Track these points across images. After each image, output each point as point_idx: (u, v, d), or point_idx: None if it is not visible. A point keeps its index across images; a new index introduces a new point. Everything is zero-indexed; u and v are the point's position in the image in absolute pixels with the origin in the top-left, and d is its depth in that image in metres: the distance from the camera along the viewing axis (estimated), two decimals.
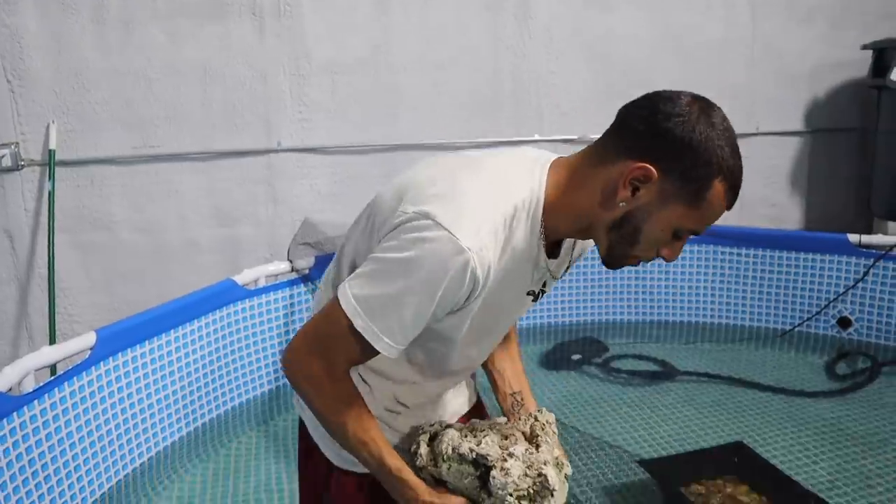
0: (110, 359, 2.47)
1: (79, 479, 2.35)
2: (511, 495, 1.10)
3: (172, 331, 2.71)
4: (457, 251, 0.97)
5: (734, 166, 1.02)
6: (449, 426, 1.23)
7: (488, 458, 1.12)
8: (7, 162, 3.36)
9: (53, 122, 3.39)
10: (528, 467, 1.12)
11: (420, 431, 1.24)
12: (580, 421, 2.93)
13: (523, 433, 1.21)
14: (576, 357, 3.57)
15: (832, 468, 2.59)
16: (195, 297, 2.82)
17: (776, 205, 4.50)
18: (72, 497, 2.31)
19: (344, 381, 1.11)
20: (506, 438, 1.17)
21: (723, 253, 3.84)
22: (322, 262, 3.19)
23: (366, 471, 1.20)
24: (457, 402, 1.40)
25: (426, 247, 0.97)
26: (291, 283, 3.16)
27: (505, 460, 1.12)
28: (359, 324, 1.03)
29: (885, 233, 3.98)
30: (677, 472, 2.49)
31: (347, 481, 1.30)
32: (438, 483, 1.18)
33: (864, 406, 3.08)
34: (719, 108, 1.04)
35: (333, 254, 1.27)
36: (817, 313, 3.80)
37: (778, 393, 3.19)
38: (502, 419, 1.27)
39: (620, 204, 1.03)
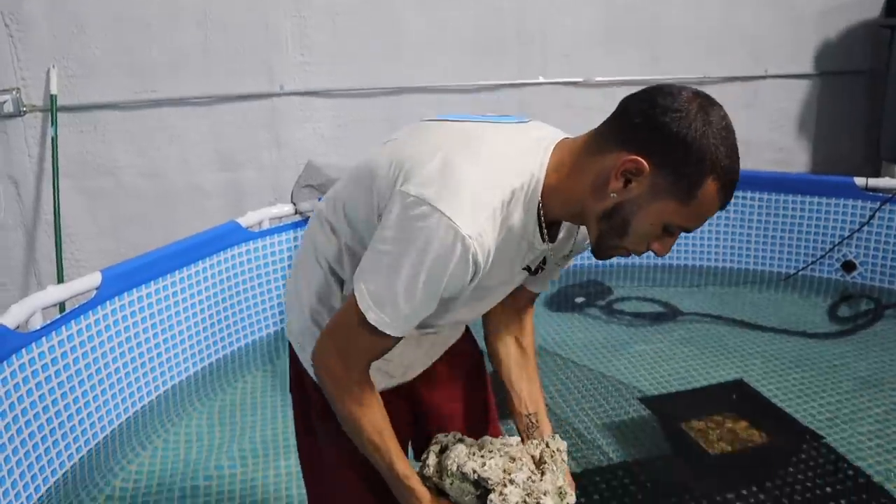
0: (116, 299, 2.50)
1: (89, 416, 2.40)
2: None
3: (177, 272, 2.73)
4: (458, 239, 0.99)
5: (729, 166, 1.01)
6: (461, 440, 1.26)
7: (489, 481, 1.15)
8: (9, 108, 3.35)
9: (54, 66, 3.36)
10: (527, 495, 1.15)
11: (433, 441, 1.28)
12: (583, 360, 2.96)
13: (532, 457, 1.24)
14: (579, 300, 3.59)
15: (831, 406, 2.61)
16: (199, 238, 2.83)
17: (783, 149, 4.46)
18: (82, 432, 2.37)
19: (362, 383, 1.15)
20: (513, 461, 1.19)
21: None
22: None
23: None
24: (439, 348, 1.41)
25: (430, 236, 0.99)
26: (295, 226, 3.17)
27: (505, 485, 1.14)
28: (371, 317, 1.06)
29: (893, 176, 3.93)
30: (678, 409, 2.52)
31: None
32: (441, 494, 1.21)
33: (865, 347, 3.09)
34: (720, 106, 1.02)
35: None
36: (822, 257, 3.79)
37: (780, 334, 3.21)
38: (515, 439, 1.28)
39: (612, 195, 1.03)
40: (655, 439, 2.41)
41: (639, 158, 1.00)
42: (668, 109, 0.99)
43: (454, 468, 1.17)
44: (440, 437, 1.28)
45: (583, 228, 1.21)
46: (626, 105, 1.05)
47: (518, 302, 1.37)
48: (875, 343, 3.13)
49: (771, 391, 2.69)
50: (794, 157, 4.50)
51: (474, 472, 1.16)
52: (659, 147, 0.99)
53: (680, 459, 2.31)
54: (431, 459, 1.23)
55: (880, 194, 3.61)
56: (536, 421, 1.36)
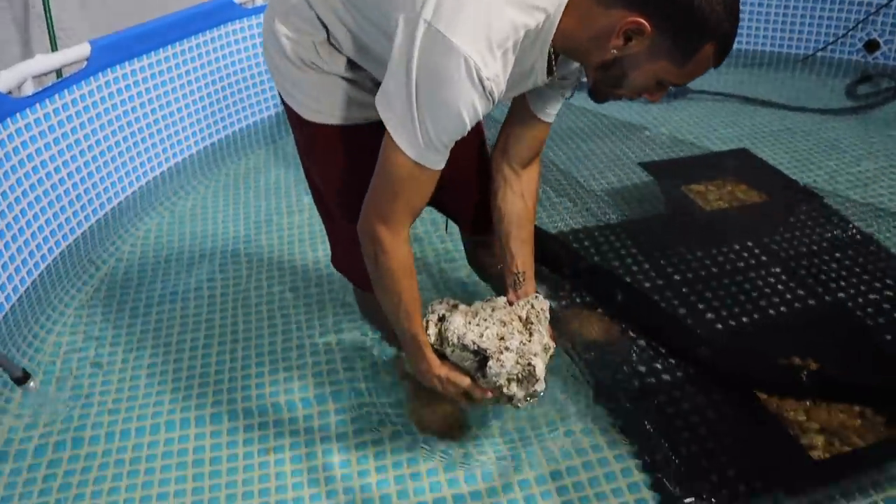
0: (109, 71, 2.45)
1: (94, 186, 2.43)
2: (503, 378, 1.29)
3: (170, 47, 2.66)
4: (478, 80, 1.01)
5: (728, 31, 1.03)
6: (455, 306, 1.38)
7: (487, 350, 1.29)
8: None
9: None
10: (520, 357, 1.29)
11: (430, 311, 1.38)
12: (585, 133, 2.92)
13: (520, 317, 1.37)
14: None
15: (833, 172, 2.59)
16: (189, 13, 2.73)
17: None
18: (85, 205, 2.41)
19: (408, 253, 1.23)
20: (504, 326, 1.33)
21: None
22: None
23: (330, 122, 1.31)
24: None
25: (455, 75, 1.01)
26: None
27: (501, 352, 1.28)
28: (411, 153, 1.09)
29: None
30: (678, 174, 2.51)
31: (316, 132, 1.35)
32: (442, 357, 1.34)
33: (880, 123, 3.02)
34: None
35: None
36: (843, 36, 3.62)
37: (793, 111, 3.13)
38: (502, 300, 1.42)
39: (612, 50, 1.06)
40: (653, 201, 2.41)
41: (641, 20, 1.01)
42: None
43: (455, 339, 1.30)
44: (436, 305, 1.39)
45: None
46: None
47: (531, 140, 1.42)
48: (891, 120, 3.05)
49: (775, 159, 2.66)
50: None
51: (474, 343, 1.29)
52: (662, 10, 1.01)
53: (676, 218, 2.32)
54: (431, 329, 1.34)
55: None
56: (523, 279, 1.45)
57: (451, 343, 1.31)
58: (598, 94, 1.18)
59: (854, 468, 1.48)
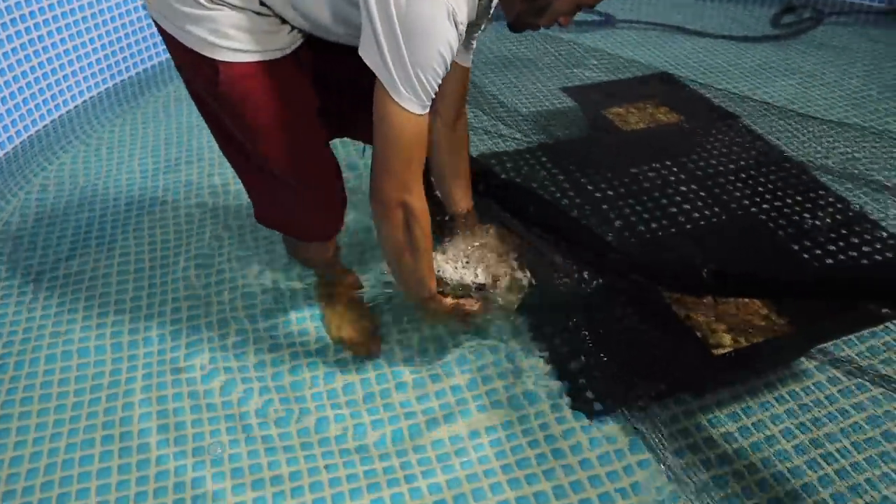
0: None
1: None
2: (503, 296, 1.52)
3: None
4: (454, 22, 1.09)
5: None
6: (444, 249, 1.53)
7: (486, 285, 1.49)
8: None
9: None
10: (507, 277, 1.51)
11: None
12: (515, 62, 2.90)
13: (485, 245, 1.55)
14: None
15: (753, 92, 2.63)
16: None
17: None
18: None
19: (427, 204, 1.27)
20: (482, 260, 1.51)
21: None
22: None
23: (248, 59, 1.24)
24: None
25: (435, 23, 1.07)
26: None
27: (495, 283, 1.49)
28: (408, 105, 1.14)
29: None
30: (600, 98, 2.52)
31: (231, 73, 1.25)
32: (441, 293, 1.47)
33: (803, 49, 3.07)
34: None
35: None
36: None
37: (717, 38, 3.16)
38: (458, 238, 1.58)
39: None
40: (578, 125, 2.42)
41: None
42: None
43: (454, 282, 1.47)
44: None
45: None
46: None
47: (455, 85, 1.46)
48: (814, 45, 3.11)
49: (698, 83, 2.69)
50: None
51: (474, 283, 1.48)
52: None
53: (596, 139, 2.34)
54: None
55: None
56: (470, 218, 1.63)
57: (451, 287, 1.48)
58: (518, 26, 1.26)
59: (756, 361, 1.54)
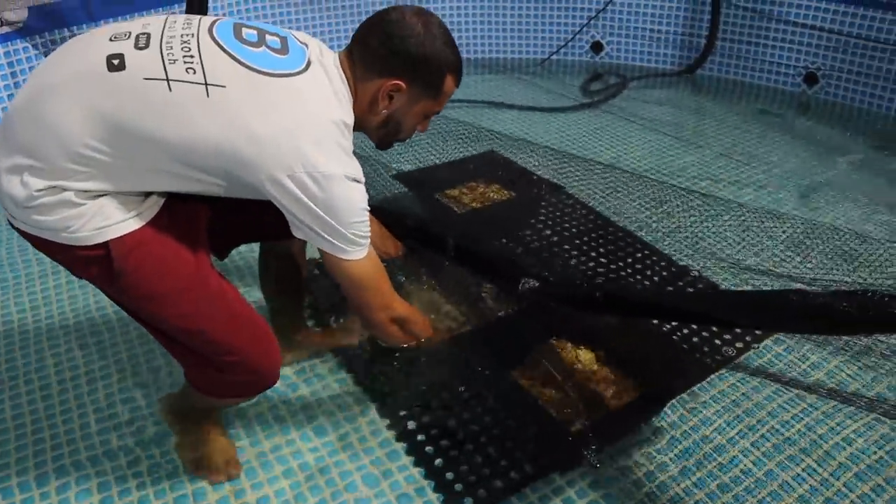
0: None
1: None
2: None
3: None
4: (359, 182, 1.29)
5: (457, 60, 1.37)
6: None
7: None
8: None
9: None
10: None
11: None
12: None
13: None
14: None
15: (572, 164, 2.78)
16: None
17: None
18: None
19: (405, 305, 1.53)
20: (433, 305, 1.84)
21: None
22: (36, 11, 2.84)
23: (134, 227, 1.21)
24: None
25: (349, 192, 1.26)
26: (5, 39, 2.81)
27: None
28: (357, 255, 1.33)
29: None
30: (433, 182, 2.57)
31: (125, 249, 1.20)
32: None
33: (609, 114, 3.32)
34: (434, 14, 1.35)
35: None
36: (571, 39, 3.94)
37: (534, 111, 3.35)
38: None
39: (383, 111, 1.36)
40: (413, 211, 2.44)
41: (397, 82, 1.32)
42: (403, 37, 1.30)
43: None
44: None
45: None
46: (365, 34, 1.33)
47: None
48: (619, 109, 3.36)
49: (522, 159, 2.80)
50: None
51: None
52: (407, 69, 1.32)
53: (432, 225, 2.36)
54: None
55: None
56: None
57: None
58: (384, 146, 1.48)
59: (611, 430, 1.58)
